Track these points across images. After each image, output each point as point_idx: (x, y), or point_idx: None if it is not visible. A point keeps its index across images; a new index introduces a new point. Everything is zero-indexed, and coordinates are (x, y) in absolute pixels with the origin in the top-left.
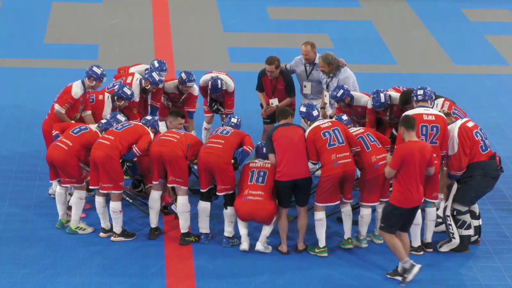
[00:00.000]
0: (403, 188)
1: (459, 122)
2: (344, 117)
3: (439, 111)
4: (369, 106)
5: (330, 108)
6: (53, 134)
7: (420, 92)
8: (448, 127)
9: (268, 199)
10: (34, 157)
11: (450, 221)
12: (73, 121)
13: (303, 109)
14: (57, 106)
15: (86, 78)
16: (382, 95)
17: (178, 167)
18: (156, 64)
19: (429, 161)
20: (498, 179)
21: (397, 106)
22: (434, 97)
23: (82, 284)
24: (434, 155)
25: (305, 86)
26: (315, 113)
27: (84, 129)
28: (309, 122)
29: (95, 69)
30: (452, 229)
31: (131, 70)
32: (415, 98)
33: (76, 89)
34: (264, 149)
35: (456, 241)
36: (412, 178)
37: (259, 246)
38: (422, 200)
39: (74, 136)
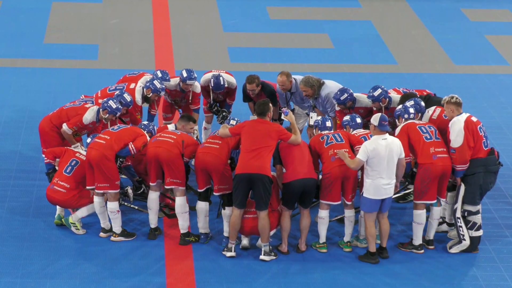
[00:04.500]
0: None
1: (464, 116)
2: (358, 120)
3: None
4: (375, 107)
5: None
6: (45, 162)
7: (412, 110)
8: (452, 120)
9: None
10: (34, 157)
11: (461, 222)
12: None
13: (318, 118)
14: (65, 126)
15: (101, 110)
16: (379, 90)
17: (175, 167)
18: (159, 74)
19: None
20: (497, 179)
21: None
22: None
23: (82, 284)
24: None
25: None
26: (328, 123)
27: (75, 165)
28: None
29: (110, 103)
30: (463, 231)
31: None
32: (406, 116)
33: (89, 115)
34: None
35: (466, 243)
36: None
37: (260, 242)
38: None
39: (68, 176)
